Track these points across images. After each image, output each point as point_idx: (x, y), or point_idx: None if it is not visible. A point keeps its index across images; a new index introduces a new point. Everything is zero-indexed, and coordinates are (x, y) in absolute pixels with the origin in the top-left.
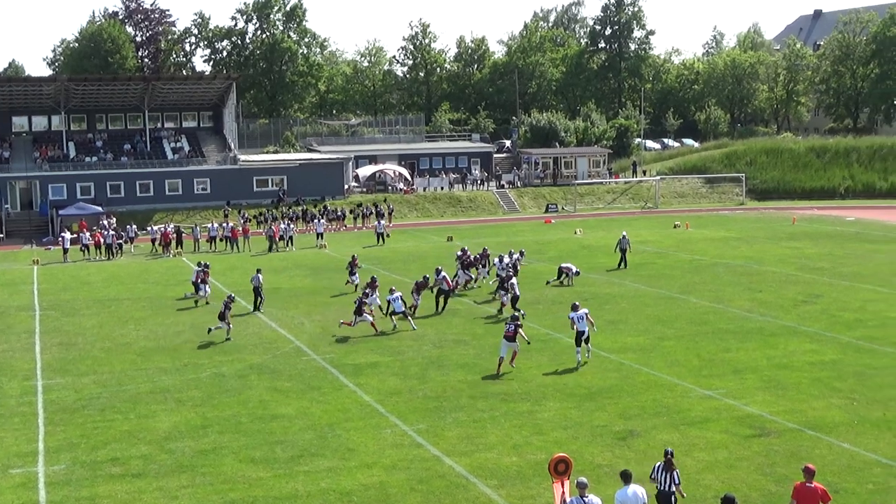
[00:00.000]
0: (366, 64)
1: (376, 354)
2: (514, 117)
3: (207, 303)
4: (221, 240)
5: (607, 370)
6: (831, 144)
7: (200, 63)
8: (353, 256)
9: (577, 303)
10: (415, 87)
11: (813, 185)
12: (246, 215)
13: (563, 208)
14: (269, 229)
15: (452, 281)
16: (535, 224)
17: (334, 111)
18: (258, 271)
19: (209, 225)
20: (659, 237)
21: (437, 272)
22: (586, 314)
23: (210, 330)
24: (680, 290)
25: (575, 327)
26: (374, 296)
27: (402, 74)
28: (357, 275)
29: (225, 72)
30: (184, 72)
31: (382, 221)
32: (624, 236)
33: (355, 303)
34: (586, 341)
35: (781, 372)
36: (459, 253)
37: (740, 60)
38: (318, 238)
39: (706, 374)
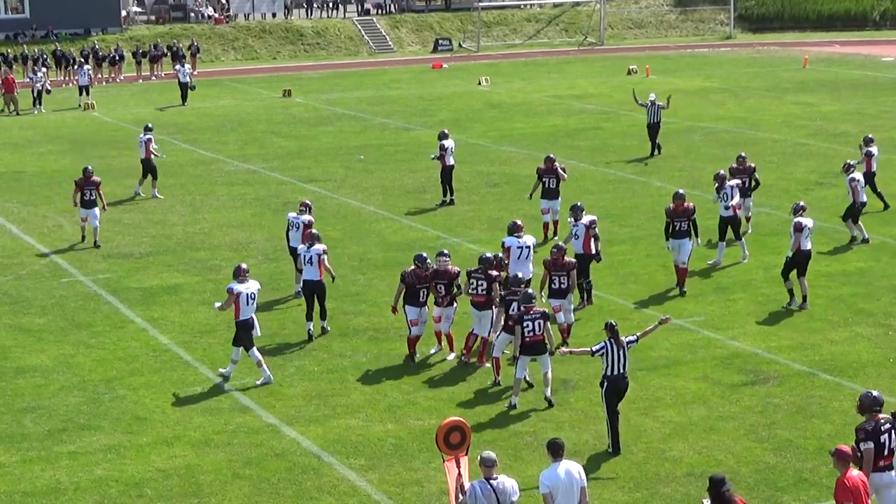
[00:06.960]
0: None
1: (177, 272)
2: None
3: None
4: None
5: None
6: None
7: None
8: None
9: None
10: None
11: (834, 7)
12: None
13: (460, 45)
14: None
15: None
16: (419, 70)
17: None
18: None
19: None
20: (605, 89)
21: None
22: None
23: None
24: (636, 168)
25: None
26: None
27: None
28: None
29: None
30: None
31: (186, 66)
32: (653, 102)
33: None
34: None
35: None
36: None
37: None
38: (81, 94)
39: (675, 294)
